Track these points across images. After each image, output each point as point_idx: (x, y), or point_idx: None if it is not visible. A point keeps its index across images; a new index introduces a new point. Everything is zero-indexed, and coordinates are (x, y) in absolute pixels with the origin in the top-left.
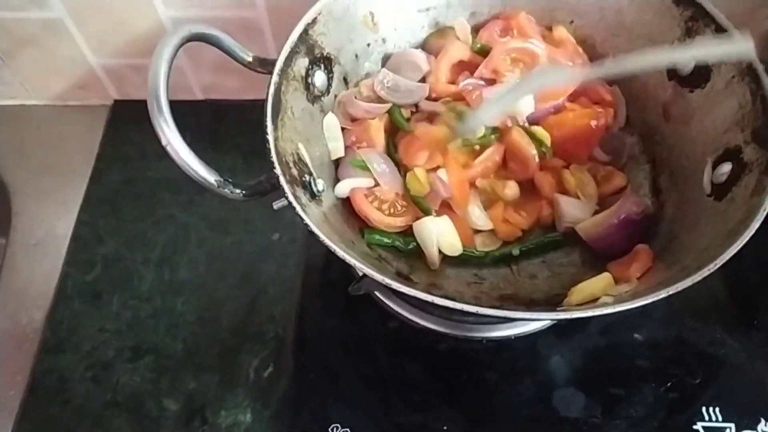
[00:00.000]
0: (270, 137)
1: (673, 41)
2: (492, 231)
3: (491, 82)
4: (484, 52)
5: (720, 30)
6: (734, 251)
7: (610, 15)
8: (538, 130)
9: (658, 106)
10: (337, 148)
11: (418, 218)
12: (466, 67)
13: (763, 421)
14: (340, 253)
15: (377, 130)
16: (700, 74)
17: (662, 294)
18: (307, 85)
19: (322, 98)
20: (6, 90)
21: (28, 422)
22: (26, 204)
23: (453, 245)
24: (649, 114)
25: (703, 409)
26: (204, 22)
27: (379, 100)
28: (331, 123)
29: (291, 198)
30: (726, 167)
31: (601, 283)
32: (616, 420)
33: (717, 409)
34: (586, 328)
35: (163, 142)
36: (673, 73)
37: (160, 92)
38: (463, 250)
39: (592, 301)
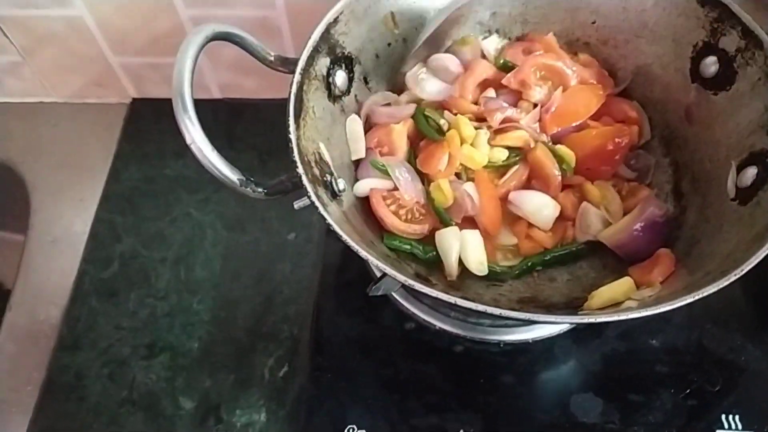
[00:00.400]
0: (292, 136)
1: (698, 43)
2: (515, 246)
3: (516, 94)
4: (507, 68)
5: (746, 32)
6: (761, 256)
7: (633, 16)
8: (561, 148)
9: (680, 109)
10: (358, 149)
11: (435, 228)
12: (489, 84)
13: None
14: (363, 252)
15: (400, 135)
16: (725, 76)
17: (688, 299)
18: (328, 85)
19: (343, 98)
20: (25, 87)
21: (44, 418)
22: (44, 201)
23: (480, 262)
24: (671, 117)
25: (723, 416)
26: (224, 22)
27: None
28: (354, 124)
29: (314, 197)
30: (751, 171)
31: (623, 288)
32: (633, 426)
33: (737, 417)
34: (604, 333)
35: (188, 141)
36: (696, 75)
37: (185, 91)
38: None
39: (614, 305)
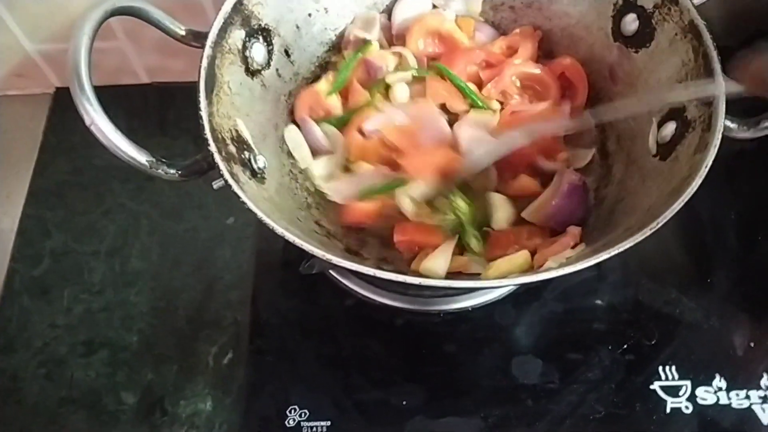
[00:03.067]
0: (203, 113)
1: (618, 1)
2: None
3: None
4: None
5: None
6: (676, 209)
7: None
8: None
9: (604, 69)
10: (304, 157)
11: None
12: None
13: (718, 376)
14: (279, 230)
15: (331, 96)
16: (644, 33)
17: (604, 255)
18: (245, 59)
19: (263, 72)
20: None
21: None
22: None
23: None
24: (595, 77)
25: (660, 368)
26: None
27: None
28: (293, 133)
29: (227, 175)
30: (670, 126)
31: (519, 260)
32: (573, 384)
33: (673, 368)
34: (542, 296)
35: (87, 122)
36: (618, 34)
37: (81, 69)
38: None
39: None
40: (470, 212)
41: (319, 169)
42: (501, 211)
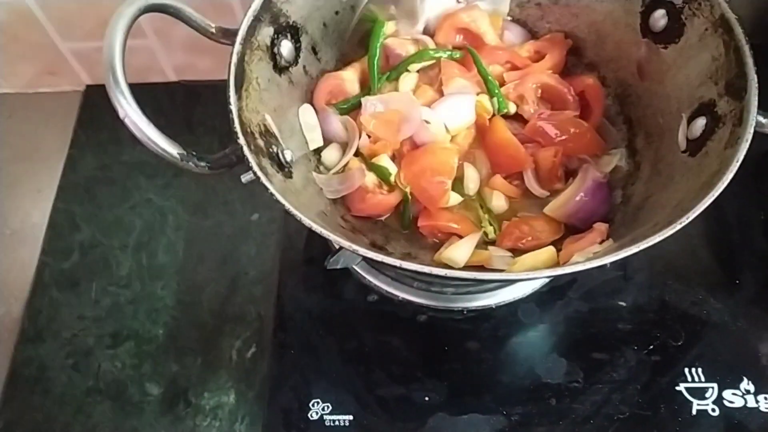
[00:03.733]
0: (233, 107)
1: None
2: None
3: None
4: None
5: None
6: (708, 203)
7: None
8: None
9: (632, 65)
10: (314, 138)
11: None
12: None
13: (745, 379)
14: (306, 221)
15: (351, 83)
16: (674, 29)
17: (632, 249)
18: (273, 55)
19: (290, 69)
20: None
21: (9, 411)
22: (1, 194)
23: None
24: (623, 74)
25: (686, 370)
26: None
27: None
28: (307, 114)
29: (255, 168)
30: (701, 122)
31: (544, 256)
32: (598, 384)
33: (700, 370)
34: (566, 295)
35: (121, 115)
36: (646, 30)
37: (116, 64)
38: None
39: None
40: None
41: (328, 156)
42: (495, 199)
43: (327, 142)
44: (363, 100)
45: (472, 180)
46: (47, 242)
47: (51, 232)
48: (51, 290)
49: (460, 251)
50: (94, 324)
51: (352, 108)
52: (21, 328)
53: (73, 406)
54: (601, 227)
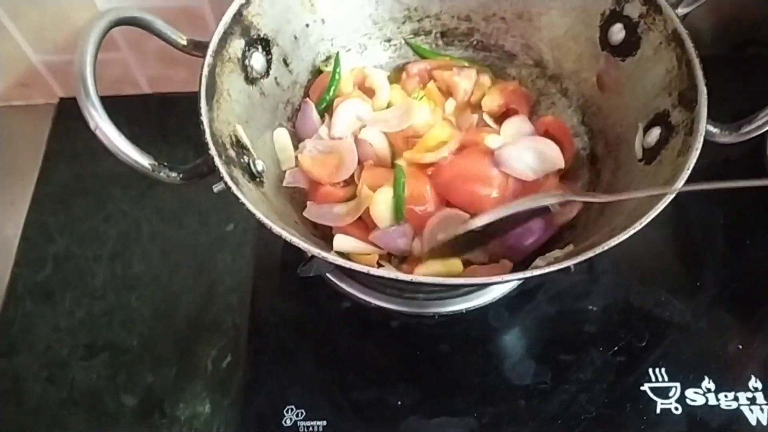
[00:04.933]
0: (204, 118)
1: (605, 11)
2: None
3: None
4: None
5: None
6: (659, 209)
7: None
8: None
9: (592, 77)
10: (287, 158)
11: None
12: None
13: (707, 378)
14: (277, 230)
15: (345, 83)
16: (631, 42)
17: (588, 254)
18: (245, 67)
19: (262, 80)
20: None
21: None
22: None
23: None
24: (584, 86)
25: (650, 370)
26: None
27: None
28: (281, 136)
29: (227, 178)
30: (655, 131)
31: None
32: (565, 385)
33: (663, 370)
34: (535, 298)
35: (92, 126)
36: (605, 43)
37: (87, 76)
38: None
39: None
40: None
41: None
42: None
43: (300, 138)
44: (301, 144)
45: None
46: (21, 254)
47: (24, 243)
48: (25, 302)
49: (345, 241)
50: (68, 335)
51: (328, 106)
52: None
53: (47, 417)
54: (505, 263)
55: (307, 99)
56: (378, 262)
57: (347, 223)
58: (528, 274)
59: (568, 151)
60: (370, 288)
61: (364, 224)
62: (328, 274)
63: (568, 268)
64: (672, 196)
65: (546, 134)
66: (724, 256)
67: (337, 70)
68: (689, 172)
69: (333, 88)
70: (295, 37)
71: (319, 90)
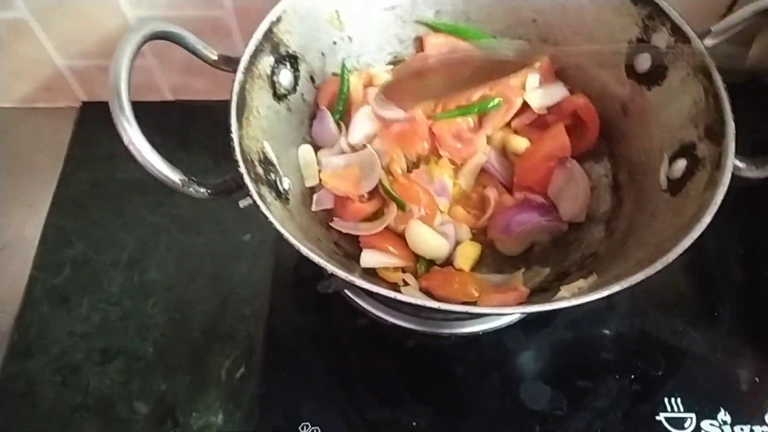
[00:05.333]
0: (234, 135)
1: (632, 39)
2: None
3: None
4: None
5: (675, 29)
6: (687, 245)
7: (572, 14)
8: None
9: (617, 104)
10: (310, 175)
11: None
12: None
13: (722, 410)
14: (304, 250)
15: (355, 89)
16: (657, 72)
17: (615, 288)
18: (273, 84)
19: (289, 96)
20: None
21: None
22: None
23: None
24: (608, 112)
25: (666, 399)
26: (172, 22)
27: None
28: (306, 152)
29: (255, 196)
30: (681, 163)
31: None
32: (581, 412)
33: (679, 400)
34: (552, 323)
35: (125, 141)
36: (631, 71)
37: (122, 91)
38: None
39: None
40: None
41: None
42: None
43: (318, 147)
44: (324, 161)
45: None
46: (39, 257)
47: (43, 247)
48: (41, 305)
49: (372, 257)
50: (83, 340)
51: (342, 116)
52: (10, 343)
53: (60, 421)
54: (521, 288)
55: (323, 108)
56: (403, 279)
57: (373, 232)
58: (554, 306)
59: (592, 133)
60: (387, 306)
61: (390, 234)
62: (345, 291)
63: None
64: (698, 234)
65: (573, 115)
66: (743, 287)
67: (345, 78)
68: (717, 207)
69: (343, 98)
70: (323, 54)
71: (328, 96)
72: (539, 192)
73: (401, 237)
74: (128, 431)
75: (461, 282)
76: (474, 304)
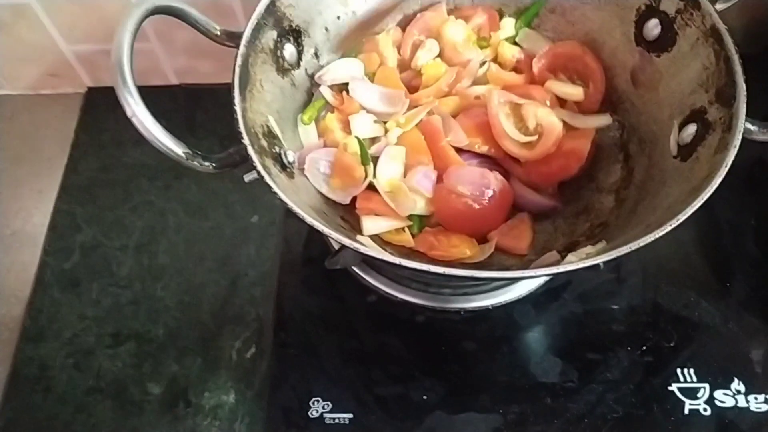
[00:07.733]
0: (237, 108)
1: (640, 6)
2: None
3: None
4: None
5: None
6: (697, 206)
7: None
8: None
9: (626, 73)
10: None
11: None
12: None
13: (736, 380)
14: (310, 220)
15: (386, 45)
16: (666, 38)
17: (624, 250)
18: (276, 58)
19: (293, 71)
20: None
21: (11, 411)
22: (2, 194)
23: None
24: (618, 81)
25: (678, 370)
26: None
27: None
28: (309, 133)
29: (259, 167)
30: (691, 128)
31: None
32: (592, 384)
33: (692, 371)
34: (561, 296)
35: (129, 114)
36: (640, 39)
37: (124, 64)
38: None
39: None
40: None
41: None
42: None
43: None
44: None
45: None
46: (48, 242)
47: (52, 232)
48: (52, 290)
49: (374, 223)
50: (94, 324)
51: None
52: (22, 328)
53: (73, 405)
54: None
55: None
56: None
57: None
58: (561, 269)
59: (598, 91)
60: (396, 282)
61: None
62: (353, 267)
63: (598, 265)
64: (709, 194)
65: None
66: (755, 258)
67: None
68: (727, 169)
69: None
70: (326, 29)
71: None
72: (541, 183)
73: None
74: (141, 413)
75: (451, 242)
76: (474, 267)
